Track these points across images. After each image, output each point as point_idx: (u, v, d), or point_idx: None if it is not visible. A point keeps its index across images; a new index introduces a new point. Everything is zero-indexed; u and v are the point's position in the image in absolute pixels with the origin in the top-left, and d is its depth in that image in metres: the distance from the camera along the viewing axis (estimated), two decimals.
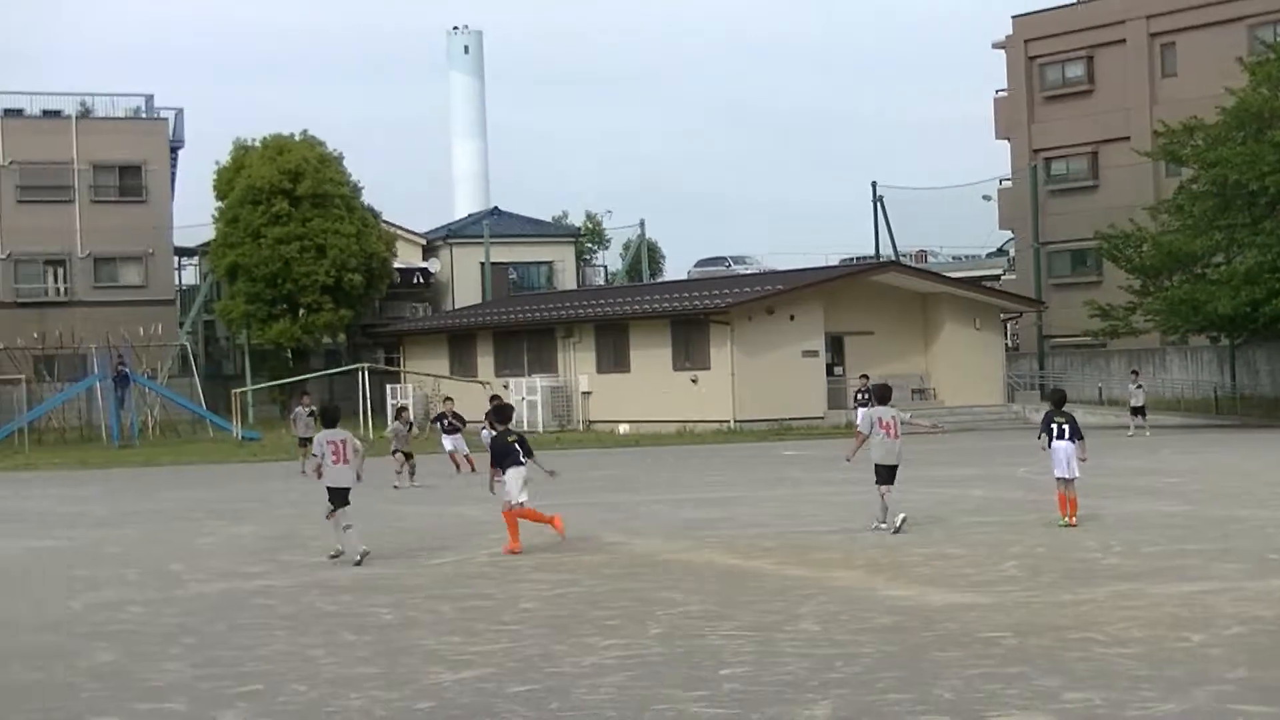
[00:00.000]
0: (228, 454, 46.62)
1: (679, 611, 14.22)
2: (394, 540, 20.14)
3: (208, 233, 71.38)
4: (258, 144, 68.03)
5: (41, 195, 69.10)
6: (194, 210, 79.01)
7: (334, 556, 18.57)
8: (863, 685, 10.79)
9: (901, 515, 19.98)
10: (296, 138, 67.90)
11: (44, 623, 14.67)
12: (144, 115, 73.29)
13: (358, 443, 18.96)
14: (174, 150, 73.25)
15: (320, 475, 18.56)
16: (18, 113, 70.92)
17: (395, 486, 29.54)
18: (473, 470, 31.13)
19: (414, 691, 11.01)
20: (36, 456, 47.88)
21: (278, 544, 21.04)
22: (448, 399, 37.40)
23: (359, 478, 18.80)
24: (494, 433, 21.15)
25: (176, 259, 77.03)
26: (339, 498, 18.42)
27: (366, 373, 55.70)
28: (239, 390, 59.56)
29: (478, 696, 10.79)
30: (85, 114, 71.98)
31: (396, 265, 71.87)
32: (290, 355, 68.71)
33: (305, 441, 34.50)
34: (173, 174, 73.04)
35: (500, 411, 21.93)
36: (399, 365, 65.64)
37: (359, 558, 18.19)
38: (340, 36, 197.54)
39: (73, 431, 57.34)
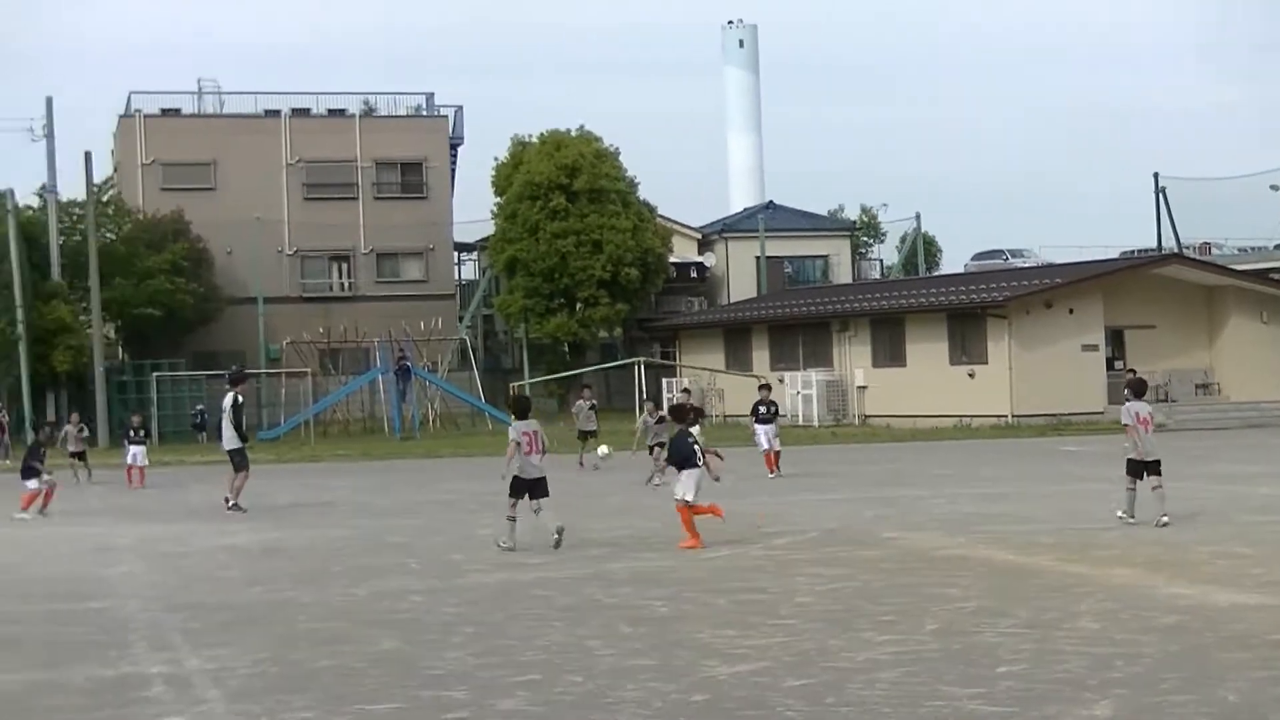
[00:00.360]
0: (506, 447, 47.20)
1: (955, 608, 14.01)
2: (667, 534, 20.20)
3: (487, 228, 72.70)
4: (535, 140, 69.02)
5: (327, 192, 71.12)
6: (473, 206, 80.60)
7: (507, 548, 19.02)
8: (1144, 685, 10.50)
9: (1165, 516, 19.56)
10: (573, 133, 68.68)
11: (331, 609, 15.03)
12: (425, 113, 74.93)
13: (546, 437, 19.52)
14: (454, 147, 74.78)
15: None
16: (304, 112, 73.04)
17: (654, 484, 29.10)
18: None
19: (689, 684, 11.01)
20: (321, 448, 49.25)
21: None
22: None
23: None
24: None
25: (456, 254, 78.65)
26: (537, 488, 18.98)
27: (643, 366, 56.09)
28: (517, 384, 60.48)
29: (753, 690, 10.75)
30: (368, 113, 73.86)
31: (672, 259, 72.28)
32: (567, 349, 69.54)
33: (585, 435, 35.21)
34: (452, 170, 74.57)
35: (678, 411, 22.58)
36: (675, 359, 66.00)
37: (557, 535, 18.89)
38: (617, 32, 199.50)
39: (356, 424, 58.82)
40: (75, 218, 61.42)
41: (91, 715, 10.66)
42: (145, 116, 71.23)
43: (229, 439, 26.47)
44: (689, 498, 19.04)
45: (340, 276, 72.05)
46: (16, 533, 24.14)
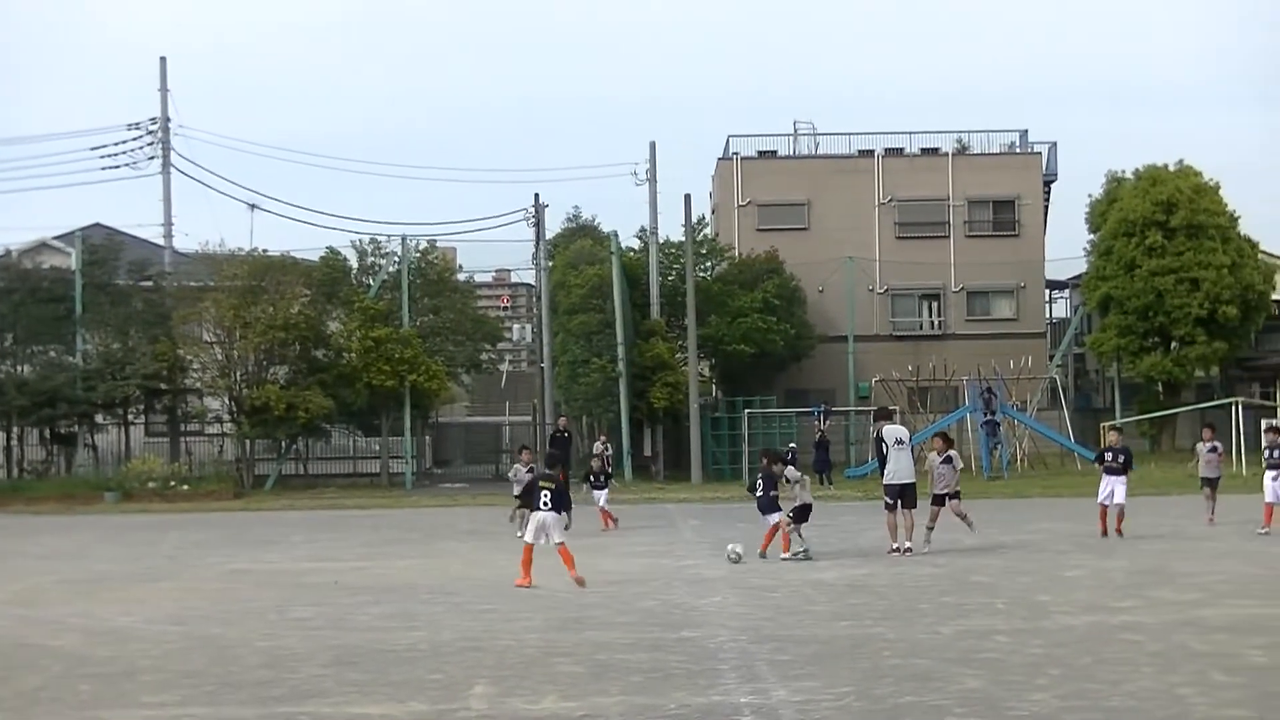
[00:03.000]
0: (1094, 487, 46.17)
1: None
2: (1271, 580, 19.32)
3: (1079, 265, 71.39)
4: (1130, 176, 67.42)
5: (918, 231, 71.33)
6: (1065, 243, 79.15)
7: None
8: None
9: None
10: (1171, 168, 66.75)
11: (915, 646, 15.06)
12: (1018, 150, 74.29)
13: None
14: (1046, 184, 73.83)
15: None
16: (897, 152, 73.57)
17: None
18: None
19: None
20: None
21: (1146, 579, 20.71)
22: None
23: None
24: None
25: (1047, 292, 77.53)
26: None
27: (1240, 407, 53.88)
28: (1108, 424, 59.09)
29: None
30: (961, 151, 73.75)
31: (1275, 297, 69.21)
32: (1160, 388, 67.52)
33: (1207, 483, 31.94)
34: (1045, 208, 73.59)
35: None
36: (1275, 399, 63.13)
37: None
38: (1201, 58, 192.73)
39: None
40: (673, 258, 63.63)
41: None
42: (742, 159, 73.24)
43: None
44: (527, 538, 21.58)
45: (930, 314, 72.13)
46: (623, 564, 25.17)
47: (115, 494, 47.37)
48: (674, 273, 62.77)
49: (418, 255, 61.08)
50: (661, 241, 63.67)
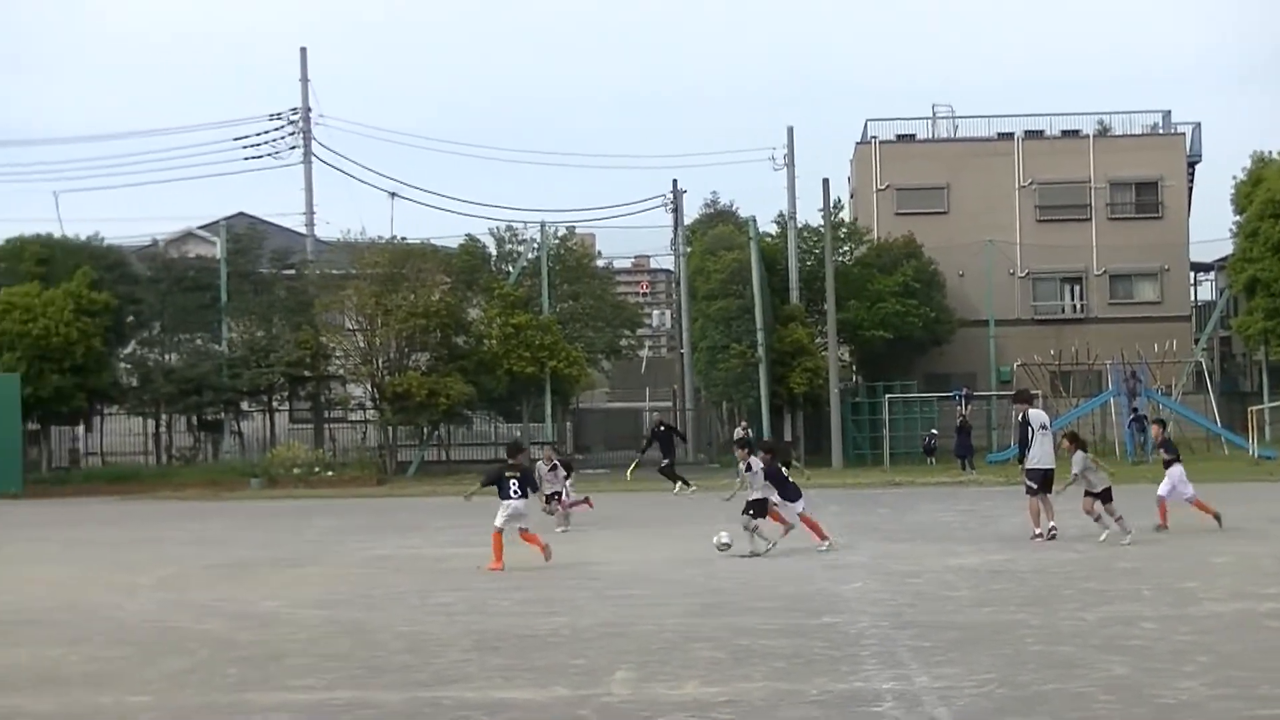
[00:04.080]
0: (1241, 472, 45.56)
1: None
2: None
3: (1224, 248, 70.21)
4: (1276, 156, 66.17)
5: (1059, 214, 70.56)
6: (1210, 225, 77.88)
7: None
8: None
9: None
10: None
11: (1059, 633, 14.89)
12: (1161, 131, 73.19)
13: None
14: (1191, 165, 72.73)
15: None
16: (1038, 134, 72.78)
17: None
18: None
19: None
20: None
21: None
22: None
23: None
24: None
25: (1192, 274, 76.36)
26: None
27: None
28: (1255, 408, 58.13)
29: None
30: (1103, 133, 72.81)
31: None
32: None
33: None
34: (1189, 189, 72.46)
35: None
36: None
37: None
38: None
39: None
40: (812, 243, 63.43)
41: None
42: (880, 143, 72.85)
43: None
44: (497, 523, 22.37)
45: (1072, 298, 71.31)
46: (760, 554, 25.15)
47: (260, 480, 48.10)
48: (812, 258, 62.60)
49: (557, 242, 61.41)
50: (800, 226, 63.50)
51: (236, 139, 67.42)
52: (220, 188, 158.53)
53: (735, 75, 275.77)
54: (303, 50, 67.12)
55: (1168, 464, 27.16)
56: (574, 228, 64.66)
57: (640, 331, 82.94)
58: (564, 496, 30.63)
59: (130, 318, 56.65)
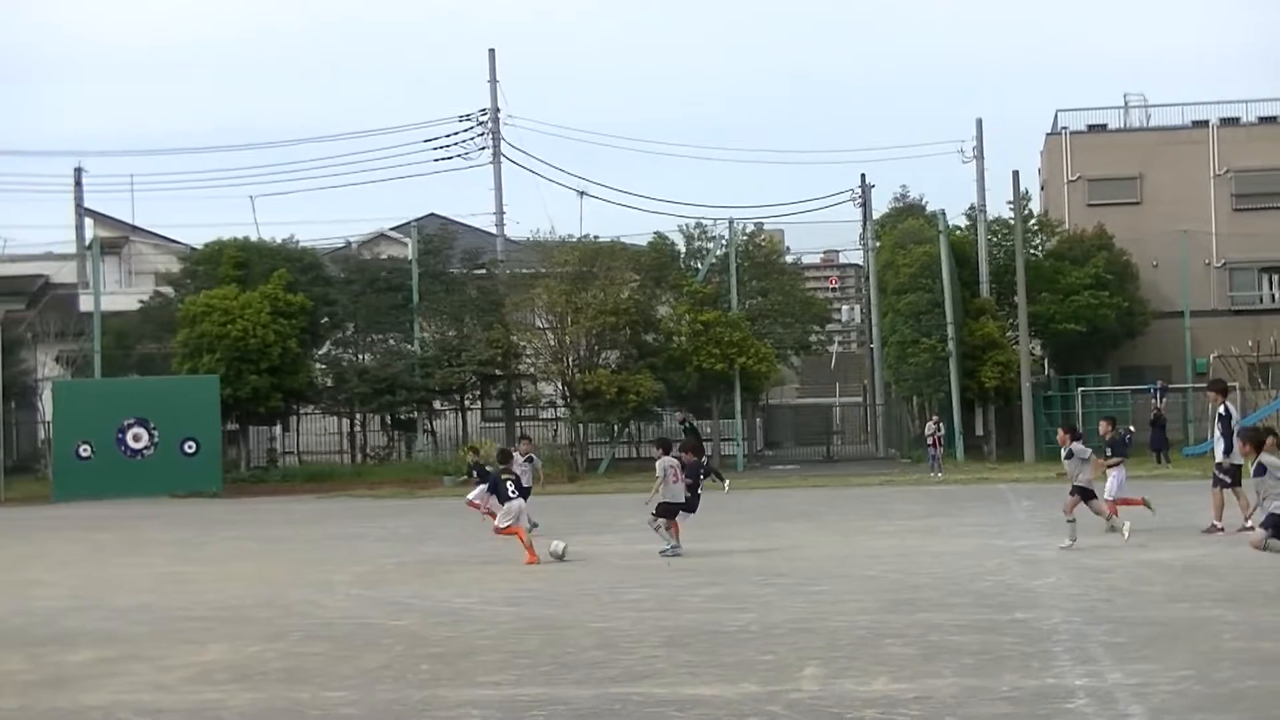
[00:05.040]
0: None
1: None
2: None
3: None
4: None
5: (1257, 202, 68.96)
6: None
7: None
8: None
9: None
10: None
11: (1258, 629, 14.60)
12: None
13: None
14: None
15: None
16: (1233, 121, 71.22)
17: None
18: None
19: None
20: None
21: None
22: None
23: None
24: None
25: None
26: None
27: None
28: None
29: None
30: None
31: None
32: None
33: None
34: None
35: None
36: None
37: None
38: None
39: None
40: (1002, 235, 62.75)
41: None
42: (1071, 134, 71.77)
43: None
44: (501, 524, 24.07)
45: (1271, 288, 69.64)
46: (955, 545, 24.96)
47: (453, 478, 48.69)
48: (1003, 251, 61.91)
49: (745, 238, 61.41)
50: (990, 219, 62.87)
51: (427, 141, 68.52)
52: (411, 189, 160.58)
53: (924, 67, 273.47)
54: (491, 51, 67.93)
55: (1114, 466, 26.51)
56: (762, 224, 64.74)
57: (829, 327, 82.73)
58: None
59: (325, 319, 57.64)
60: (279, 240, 60.10)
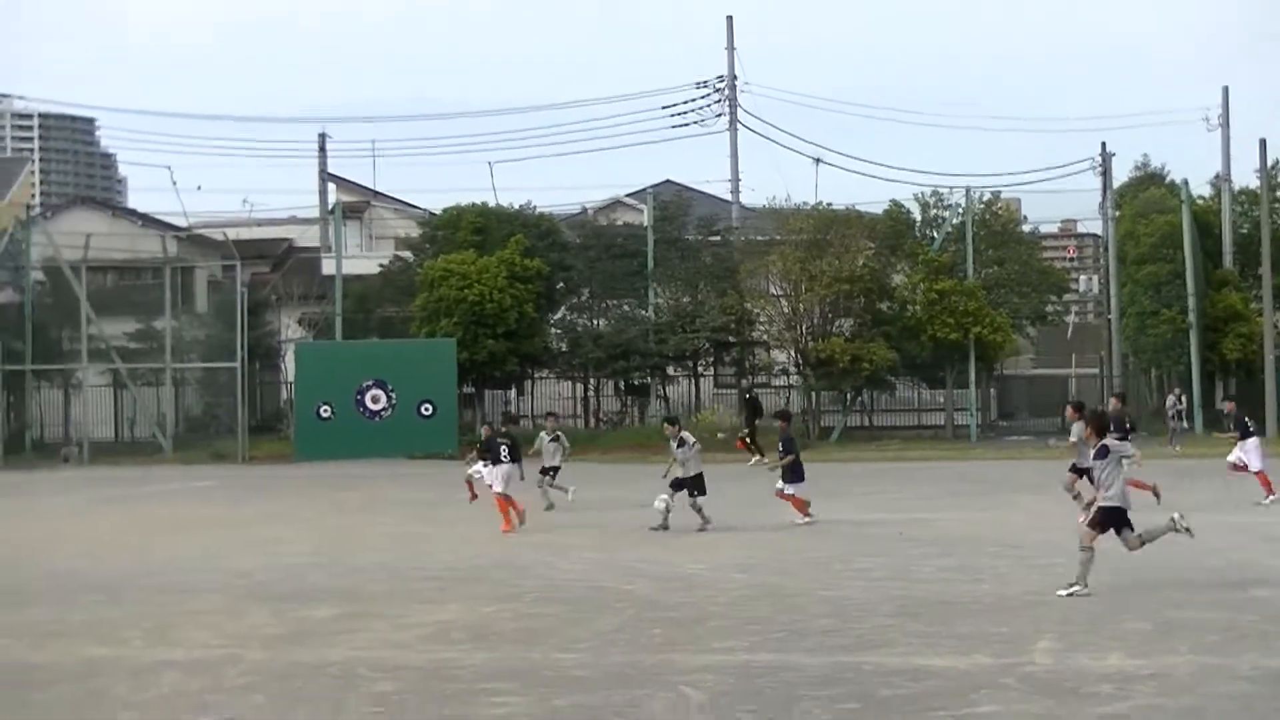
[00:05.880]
0: None
1: None
2: None
3: None
4: None
5: None
6: None
7: None
8: None
9: None
10: None
11: None
12: None
13: None
14: None
15: None
16: None
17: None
18: None
19: None
20: None
21: None
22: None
23: None
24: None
25: None
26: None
27: None
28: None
29: None
30: None
31: None
32: None
33: None
34: None
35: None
36: None
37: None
38: None
39: None
40: (1247, 205, 61.12)
41: (1270, 704, 10.71)
42: None
43: None
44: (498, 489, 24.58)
45: None
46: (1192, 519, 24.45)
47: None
48: (1248, 221, 60.30)
49: (981, 206, 60.60)
50: (1235, 190, 61.29)
51: (664, 108, 68.73)
52: (647, 156, 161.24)
53: (1169, 32, 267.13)
54: (729, 19, 67.95)
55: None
56: (999, 192, 63.68)
57: (1066, 297, 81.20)
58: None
59: (560, 284, 58.16)
60: (516, 206, 60.76)
